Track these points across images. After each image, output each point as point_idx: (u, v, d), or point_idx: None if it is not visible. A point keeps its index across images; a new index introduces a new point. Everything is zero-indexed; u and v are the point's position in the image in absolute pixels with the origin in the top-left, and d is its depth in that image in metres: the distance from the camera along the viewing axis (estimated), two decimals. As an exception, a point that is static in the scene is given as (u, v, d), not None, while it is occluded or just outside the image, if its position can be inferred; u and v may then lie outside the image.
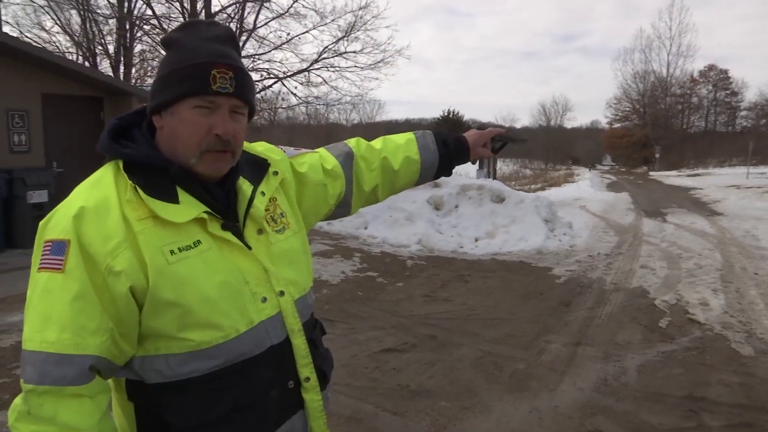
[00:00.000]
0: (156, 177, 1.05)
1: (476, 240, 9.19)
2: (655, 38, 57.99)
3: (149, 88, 1.13)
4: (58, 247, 0.97)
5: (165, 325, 1.01)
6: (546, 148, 54.63)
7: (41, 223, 1.03)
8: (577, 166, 49.57)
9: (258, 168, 1.23)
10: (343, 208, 1.48)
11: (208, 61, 1.05)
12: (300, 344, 1.18)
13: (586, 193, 19.86)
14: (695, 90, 51.39)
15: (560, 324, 5.23)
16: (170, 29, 1.21)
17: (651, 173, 37.37)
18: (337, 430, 3.22)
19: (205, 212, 1.06)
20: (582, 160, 55.26)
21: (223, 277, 1.06)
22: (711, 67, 50.78)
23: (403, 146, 1.52)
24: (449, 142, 1.56)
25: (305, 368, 1.19)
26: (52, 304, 0.95)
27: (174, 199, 1.04)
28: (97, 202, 1.00)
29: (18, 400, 0.96)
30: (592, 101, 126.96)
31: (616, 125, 54.65)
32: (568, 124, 66.54)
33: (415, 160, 1.52)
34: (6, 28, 11.74)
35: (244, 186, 1.17)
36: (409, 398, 3.68)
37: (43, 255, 0.98)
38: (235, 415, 1.09)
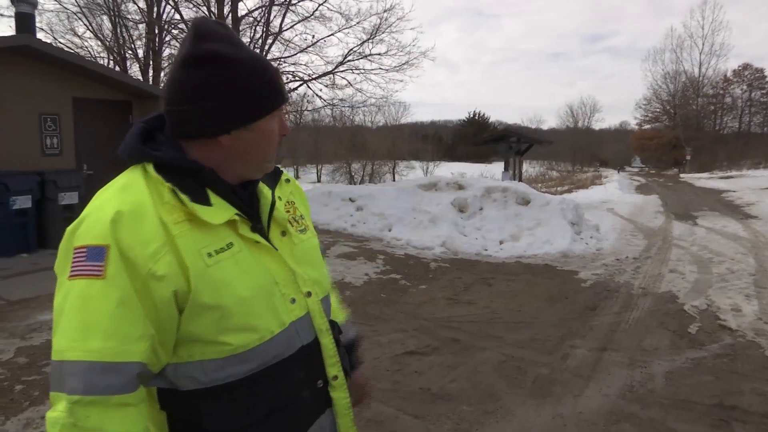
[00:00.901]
0: (186, 180, 1.04)
1: (501, 243, 9.10)
2: (686, 37, 56.15)
3: (198, 108, 1.06)
4: (96, 253, 0.95)
5: (203, 329, 1.01)
6: (573, 149, 53.80)
7: (68, 230, 1.01)
8: (605, 168, 48.79)
9: (272, 174, 1.26)
10: None
11: (273, 74, 1.11)
12: (328, 343, 1.20)
13: (614, 196, 19.52)
14: (729, 90, 50.02)
15: (585, 328, 5.15)
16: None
17: (681, 175, 36.56)
18: (358, 433, 3.22)
19: (236, 214, 1.07)
20: (610, 162, 54.31)
21: (256, 279, 1.07)
22: (746, 66, 49.45)
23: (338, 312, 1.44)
24: (352, 352, 1.41)
25: (333, 367, 1.21)
26: (93, 311, 0.93)
27: (207, 202, 1.04)
28: (133, 206, 0.99)
29: (57, 414, 0.92)
30: (620, 102, 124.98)
31: (646, 126, 53.53)
32: (596, 126, 65.31)
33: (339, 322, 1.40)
34: (40, 35, 12.07)
35: (264, 190, 1.20)
36: (431, 402, 3.65)
37: (75, 262, 0.96)
38: (270, 418, 1.09)
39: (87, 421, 0.91)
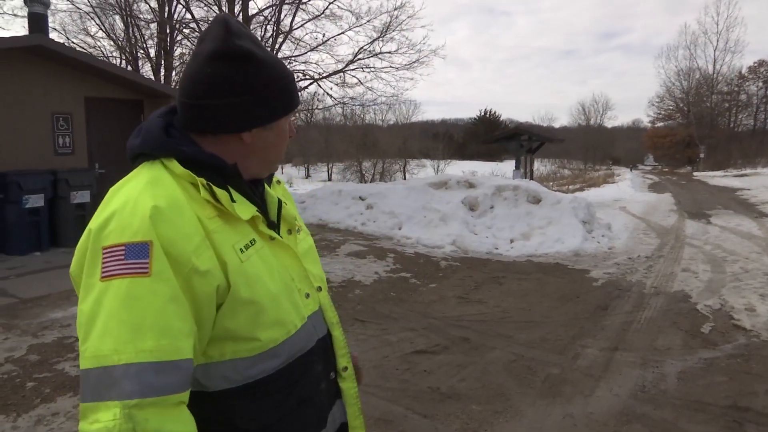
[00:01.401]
0: (209, 176, 1.04)
1: (511, 241, 9.06)
2: (700, 34, 55.92)
3: (225, 104, 1.06)
4: (138, 250, 0.91)
5: (239, 325, 1.01)
6: (585, 147, 53.46)
7: (93, 229, 0.95)
8: (617, 167, 48.43)
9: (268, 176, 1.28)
10: None
11: (292, 77, 1.15)
12: (339, 336, 1.24)
13: (627, 194, 19.38)
14: (744, 87, 49.27)
15: (597, 328, 5.10)
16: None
17: (695, 173, 36.18)
18: (366, 432, 3.21)
19: (257, 211, 1.08)
20: (623, 160, 53.93)
21: (279, 275, 1.08)
22: (761, 63, 48.65)
23: None
24: None
25: (343, 358, 1.24)
26: (142, 310, 0.89)
27: (231, 198, 1.04)
28: (169, 201, 0.96)
29: (108, 423, 0.85)
30: (633, 100, 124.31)
31: (659, 124, 53.03)
32: (609, 124, 64.83)
33: None
34: (53, 35, 12.18)
35: (268, 188, 1.21)
36: (440, 401, 3.64)
37: (108, 261, 0.91)
38: (297, 412, 1.11)
39: (147, 425, 0.86)
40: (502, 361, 4.30)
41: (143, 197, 0.96)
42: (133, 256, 0.91)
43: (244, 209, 1.05)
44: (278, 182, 1.32)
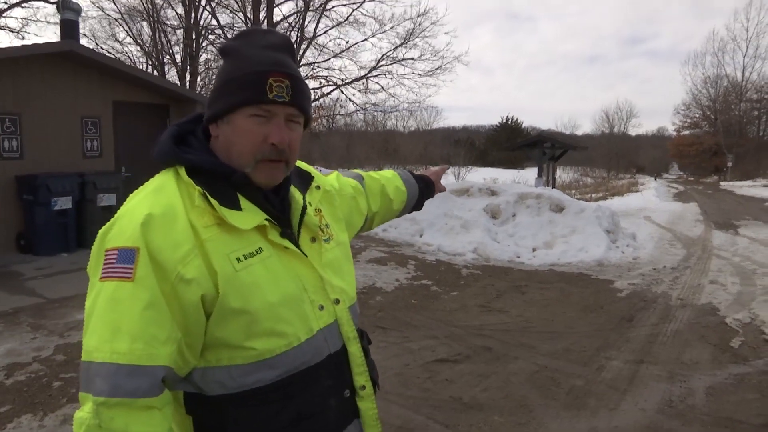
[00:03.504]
0: (217, 184, 1.05)
1: (534, 250, 8.97)
2: (729, 40, 54.91)
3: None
4: (126, 255, 0.96)
5: (231, 334, 1.01)
6: (609, 156, 52.85)
7: (101, 231, 1.03)
8: (641, 175, 47.73)
9: (304, 179, 1.26)
10: (366, 224, 1.61)
11: (264, 70, 1.05)
12: (356, 352, 1.19)
13: (652, 203, 19.07)
14: (774, 95, 48.37)
15: (622, 340, 5.01)
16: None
17: (722, 183, 35.50)
18: (388, 441, 3.19)
19: (266, 219, 1.07)
20: (647, 169, 53.16)
21: (285, 285, 1.06)
22: (792, 71, 47.86)
23: (391, 178, 1.68)
24: (420, 179, 1.77)
25: (360, 376, 1.20)
26: (122, 313, 0.94)
27: (237, 206, 1.04)
28: (164, 209, 1.00)
29: (83, 414, 0.93)
30: (658, 107, 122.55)
31: (685, 132, 52.15)
32: (633, 131, 64.03)
33: (403, 190, 1.68)
34: (83, 41, 12.42)
35: (296, 194, 1.19)
36: (462, 411, 3.60)
37: (106, 264, 0.98)
38: (297, 426, 1.08)
39: (112, 423, 0.92)
40: (525, 371, 4.25)
41: (141, 205, 1.01)
42: (122, 261, 0.96)
43: (248, 218, 1.04)
44: (318, 188, 1.29)
